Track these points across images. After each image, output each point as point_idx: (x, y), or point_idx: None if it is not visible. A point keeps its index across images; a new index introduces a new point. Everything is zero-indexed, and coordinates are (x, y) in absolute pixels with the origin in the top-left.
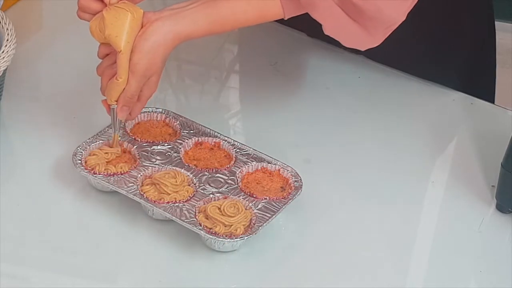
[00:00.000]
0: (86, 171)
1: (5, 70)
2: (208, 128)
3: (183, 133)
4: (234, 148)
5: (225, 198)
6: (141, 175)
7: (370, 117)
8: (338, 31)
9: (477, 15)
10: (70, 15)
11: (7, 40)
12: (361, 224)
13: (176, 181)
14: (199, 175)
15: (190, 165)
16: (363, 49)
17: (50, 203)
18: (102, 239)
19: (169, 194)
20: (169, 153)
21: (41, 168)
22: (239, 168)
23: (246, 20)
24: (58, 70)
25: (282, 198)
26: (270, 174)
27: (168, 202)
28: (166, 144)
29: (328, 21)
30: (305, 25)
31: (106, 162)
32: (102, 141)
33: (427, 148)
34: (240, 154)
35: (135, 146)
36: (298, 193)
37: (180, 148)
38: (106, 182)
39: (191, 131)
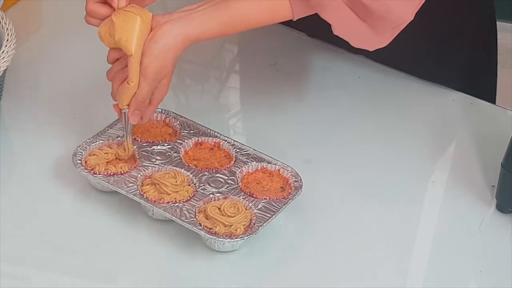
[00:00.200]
0: (86, 171)
1: (5, 70)
2: (208, 128)
3: (183, 133)
4: (234, 148)
5: (225, 198)
6: (141, 175)
7: (370, 117)
8: (347, 31)
9: (478, 15)
10: (70, 15)
11: (7, 40)
12: (361, 224)
13: (176, 181)
14: (199, 175)
15: (190, 165)
16: (371, 49)
17: (50, 203)
18: (102, 239)
19: (169, 194)
20: (169, 153)
21: (41, 168)
22: (239, 168)
23: (257, 21)
24: (58, 70)
25: (282, 198)
26: (270, 174)
27: (168, 202)
28: (166, 144)
29: (338, 21)
30: (305, 25)
31: (106, 162)
32: (102, 141)
33: (427, 148)
34: (240, 154)
35: (135, 146)
36: (298, 193)
37: (180, 148)
38: (106, 182)
39: (191, 131)
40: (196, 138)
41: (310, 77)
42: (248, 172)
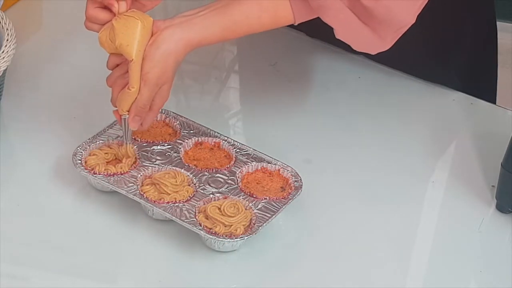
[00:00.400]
0: (86, 171)
1: (5, 70)
2: (208, 128)
3: (183, 133)
4: (234, 148)
5: (225, 198)
6: (141, 175)
7: (370, 117)
8: (349, 35)
9: (478, 15)
10: (70, 15)
11: (7, 40)
12: (361, 224)
13: (176, 181)
14: (199, 175)
15: (190, 165)
16: (373, 53)
17: (50, 203)
18: (102, 239)
19: (169, 194)
20: (169, 153)
21: (41, 168)
22: (239, 168)
23: (258, 26)
24: (58, 70)
25: (282, 198)
26: (270, 174)
27: (168, 202)
28: (166, 144)
29: (340, 25)
30: (305, 25)
31: (106, 162)
32: (102, 141)
33: (427, 148)
34: (240, 154)
35: (135, 146)
36: (298, 193)
37: (180, 148)
38: (106, 182)
39: (191, 131)
40: (196, 138)
41: (310, 77)
42: (248, 172)
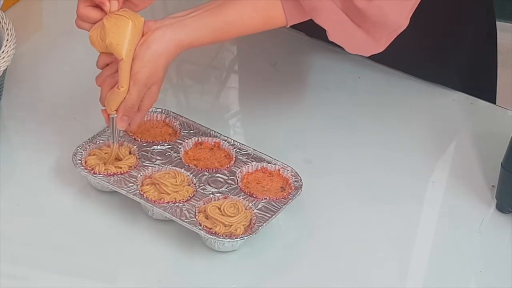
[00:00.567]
0: (86, 171)
1: (5, 70)
2: (208, 128)
3: (183, 133)
4: (234, 148)
5: (225, 198)
6: (141, 175)
7: (370, 117)
8: (343, 37)
9: (478, 15)
10: (70, 15)
11: (7, 40)
12: (361, 224)
13: (176, 181)
14: (199, 175)
15: (190, 165)
16: (367, 55)
17: (50, 203)
18: (102, 239)
19: (169, 194)
20: (169, 153)
21: (41, 168)
22: (239, 168)
23: (250, 27)
24: (58, 70)
25: (282, 198)
26: (270, 174)
27: (168, 202)
28: (166, 144)
29: (333, 27)
30: (305, 25)
31: (106, 161)
32: (102, 141)
33: (427, 148)
34: (240, 154)
35: (135, 146)
36: (298, 193)
37: (180, 148)
38: (106, 182)
39: (191, 131)
40: (196, 138)
41: (310, 77)
42: (248, 172)
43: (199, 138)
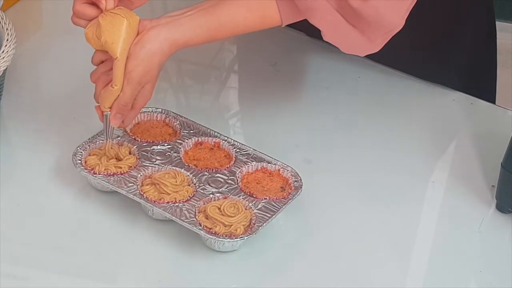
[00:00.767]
0: (86, 171)
1: (5, 70)
2: (208, 128)
3: (183, 133)
4: (234, 148)
5: (225, 198)
6: (141, 175)
7: (370, 117)
8: (337, 37)
9: (478, 15)
10: (70, 15)
11: (7, 40)
12: (361, 224)
13: (176, 181)
14: (199, 175)
15: (190, 165)
16: (362, 55)
17: (50, 203)
18: (102, 239)
19: (169, 194)
20: (169, 153)
21: (41, 168)
22: (239, 168)
23: (245, 27)
24: (58, 70)
25: (282, 198)
26: (270, 174)
27: (168, 202)
28: (166, 144)
29: (327, 27)
30: (304, 25)
31: (106, 162)
32: (102, 141)
33: (427, 148)
34: (240, 154)
35: (135, 146)
36: (298, 193)
37: (180, 148)
38: (106, 182)
39: (191, 131)
40: (196, 138)
41: (310, 77)
42: (248, 172)
43: (199, 138)
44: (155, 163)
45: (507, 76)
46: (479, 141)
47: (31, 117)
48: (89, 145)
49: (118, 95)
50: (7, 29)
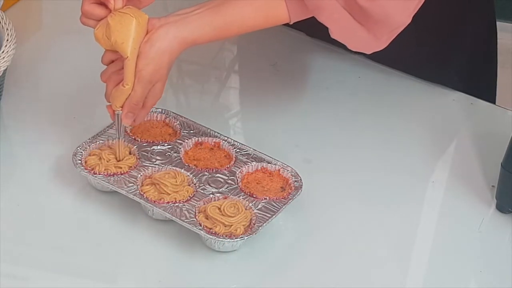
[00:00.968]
0: (86, 171)
1: (5, 70)
2: (208, 128)
3: (183, 133)
4: (234, 148)
5: (225, 198)
6: (141, 175)
7: (370, 117)
8: (344, 34)
9: (478, 15)
10: (70, 15)
11: (7, 40)
12: (361, 224)
13: (176, 181)
14: (199, 175)
15: (190, 165)
16: (368, 53)
17: (50, 203)
18: (102, 239)
19: (169, 194)
20: (169, 153)
21: (41, 168)
22: (239, 168)
23: (253, 25)
24: (58, 70)
25: (282, 198)
26: (270, 174)
27: (168, 202)
28: (166, 144)
29: (335, 24)
30: (305, 25)
31: (106, 162)
32: (102, 141)
33: (427, 148)
34: (240, 154)
35: (135, 146)
36: (298, 193)
37: (180, 148)
38: (106, 182)
39: (191, 131)
40: (196, 138)
41: (310, 77)
42: (248, 172)
43: (199, 138)
44: (155, 163)
45: (507, 76)
46: (479, 141)
47: (31, 117)
48: (89, 145)
49: (129, 94)
50: (7, 29)
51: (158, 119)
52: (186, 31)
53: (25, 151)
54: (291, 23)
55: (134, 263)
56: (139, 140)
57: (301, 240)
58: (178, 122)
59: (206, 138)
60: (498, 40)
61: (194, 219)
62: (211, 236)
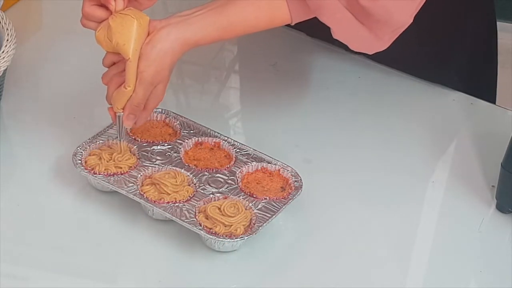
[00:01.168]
0: (86, 171)
1: (5, 70)
2: (208, 128)
3: (183, 133)
4: (234, 148)
5: (225, 198)
6: (141, 175)
7: (370, 117)
8: (346, 35)
9: (478, 15)
10: (70, 15)
11: (7, 40)
12: (361, 224)
13: (176, 181)
14: (199, 175)
15: (190, 165)
16: (370, 53)
17: (50, 203)
18: (102, 239)
19: (169, 194)
20: (169, 153)
21: (41, 168)
22: (239, 168)
23: (255, 26)
24: (58, 70)
25: (282, 198)
26: (270, 174)
27: (168, 202)
28: (166, 144)
29: (337, 24)
30: (305, 25)
31: (106, 162)
32: (102, 141)
33: (427, 148)
34: (240, 154)
35: (135, 146)
36: (298, 193)
37: (180, 148)
38: (106, 182)
39: (191, 131)
40: (196, 138)
41: (310, 77)
42: (248, 172)
43: (199, 138)
44: (155, 163)
45: (507, 76)
46: (479, 141)
47: (31, 117)
48: (89, 145)
49: (131, 96)
50: (7, 29)
51: (158, 119)
52: (188, 32)
53: (25, 151)
54: (293, 23)
55: (134, 263)
56: (139, 140)
57: (301, 240)
58: (178, 122)
59: (206, 138)
60: (498, 40)
61: (194, 219)
62: (211, 236)
